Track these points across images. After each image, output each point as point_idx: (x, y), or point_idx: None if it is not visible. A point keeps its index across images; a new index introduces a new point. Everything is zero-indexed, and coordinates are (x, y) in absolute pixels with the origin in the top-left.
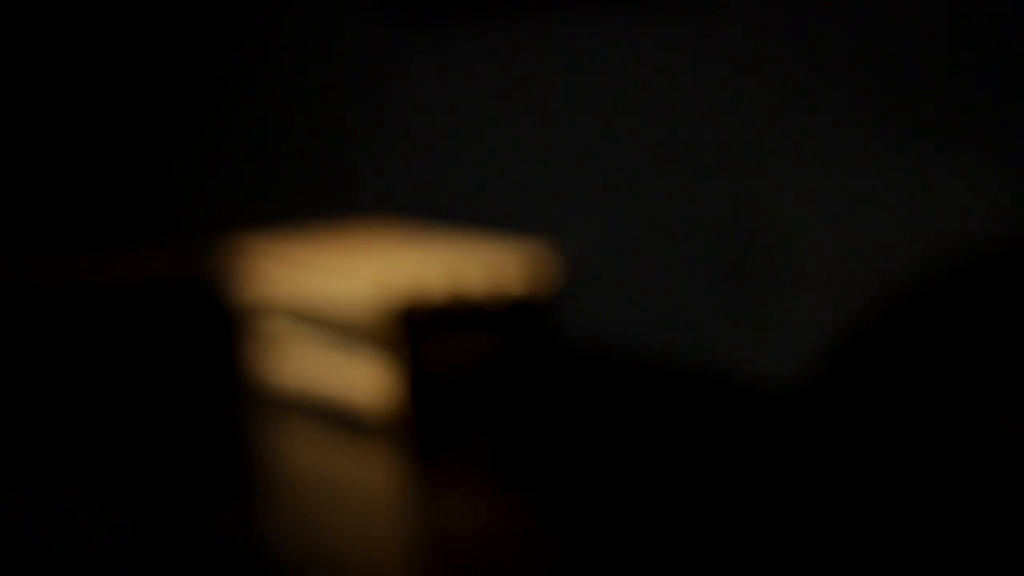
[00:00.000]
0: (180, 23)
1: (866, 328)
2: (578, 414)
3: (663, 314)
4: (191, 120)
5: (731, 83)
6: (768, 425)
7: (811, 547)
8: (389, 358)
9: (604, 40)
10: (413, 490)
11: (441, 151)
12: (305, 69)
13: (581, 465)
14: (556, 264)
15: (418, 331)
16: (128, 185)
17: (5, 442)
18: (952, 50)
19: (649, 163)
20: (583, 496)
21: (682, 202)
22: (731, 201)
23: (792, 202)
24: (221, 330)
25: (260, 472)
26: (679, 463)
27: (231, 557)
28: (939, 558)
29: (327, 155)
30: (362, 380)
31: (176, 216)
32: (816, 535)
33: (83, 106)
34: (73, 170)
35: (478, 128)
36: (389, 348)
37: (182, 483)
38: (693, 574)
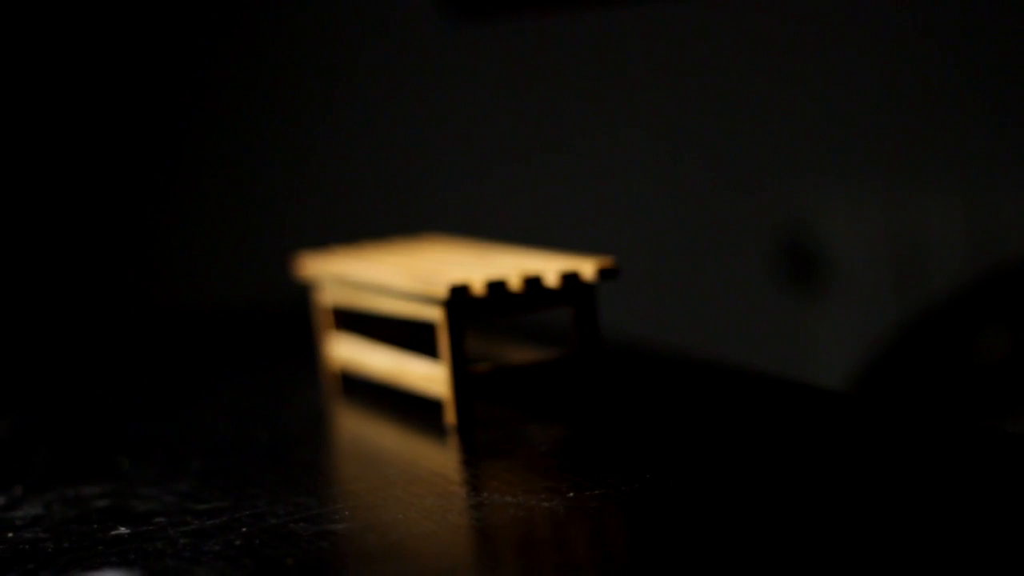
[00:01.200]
0: (257, 52)
1: (912, 333)
2: (632, 410)
3: (714, 317)
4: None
5: (787, 98)
6: (823, 422)
7: (866, 544)
8: (441, 352)
9: (664, 45)
10: (471, 481)
11: (492, 165)
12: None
13: (640, 458)
14: (610, 266)
15: (462, 326)
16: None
17: (85, 440)
18: (1001, 73)
19: (704, 174)
20: (645, 488)
21: (737, 212)
22: (785, 213)
23: (842, 214)
24: (302, 334)
25: (328, 461)
26: (732, 457)
27: (301, 547)
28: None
29: (381, 179)
30: (422, 373)
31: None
32: (869, 532)
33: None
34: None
35: (532, 141)
36: (440, 342)
37: (254, 474)
38: (755, 565)
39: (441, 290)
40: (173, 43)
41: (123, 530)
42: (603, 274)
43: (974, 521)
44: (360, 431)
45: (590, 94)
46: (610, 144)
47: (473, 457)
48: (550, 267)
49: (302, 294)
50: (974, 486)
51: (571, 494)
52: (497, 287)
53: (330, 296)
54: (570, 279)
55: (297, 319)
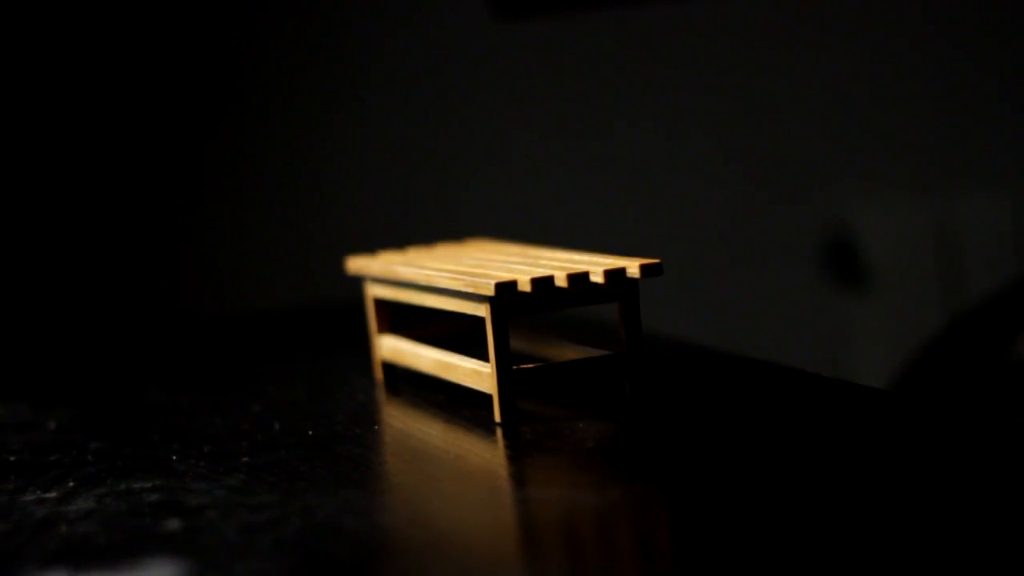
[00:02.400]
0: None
1: (955, 331)
2: (677, 407)
3: (758, 316)
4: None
5: (832, 97)
6: (866, 421)
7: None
8: (488, 348)
9: (709, 45)
10: (517, 475)
11: (537, 170)
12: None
13: (684, 452)
14: (654, 264)
15: (509, 323)
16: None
17: (137, 436)
18: None
19: (747, 173)
20: (689, 484)
21: (780, 211)
22: (829, 212)
23: (886, 213)
24: (351, 332)
25: (376, 456)
26: (776, 454)
27: (349, 541)
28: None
29: (427, 184)
30: (469, 369)
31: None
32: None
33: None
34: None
35: (575, 144)
36: (487, 339)
37: (303, 468)
38: (798, 562)
39: (488, 287)
40: (236, 50)
41: (174, 524)
42: (647, 270)
43: (1021, 518)
44: (407, 426)
45: (633, 94)
46: (653, 144)
47: (519, 453)
48: (595, 265)
49: (353, 295)
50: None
51: (616, 490)
52: (543, 284)
53: (380, 295)
54: (615, 276)
55: (348, 318)
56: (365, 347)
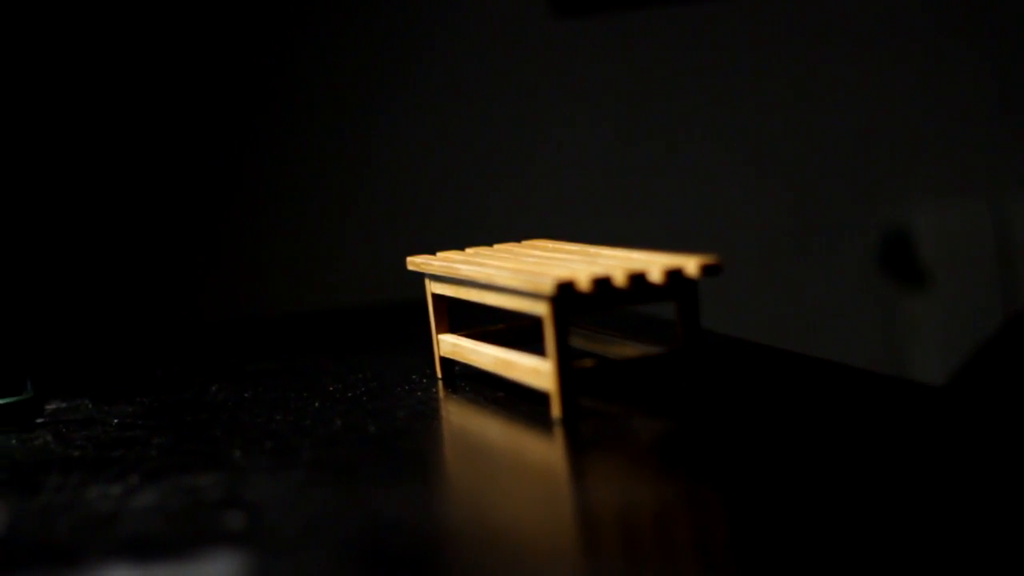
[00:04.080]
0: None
1: (1010, 331)
2: (735, 405)
3: (817, 316)
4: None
5: (890, 98)
6: (924, 419)
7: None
8: (547, 346)
9: (764, 41)
10: (576, 472)
11: (597, 172)
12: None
13: (742, 450)
14: (713, 263)
15: (568, 321)
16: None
17: (199, 432)
18: None
19: (805, 174)
20: (747, 482)
21: (837, 212)
22: (886, 212)
23: (943, 213)
24: (412, 330)
25: (436, 452)
26: (834, 452)
27: (409, 536)
28: None
29: (474, 188)
30: (529, 366)
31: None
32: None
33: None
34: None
35: (632, 145)
36: (546, 337)
37: (364, 464)
38: (856, 561)
39: (548, 286)
40: (304, 56)
41: (236, 519)
42: (707, 270)
43: None
44: (467, 423)
45: (690, 93)
46: (712, 144)
47: (578, 450)
48: (654, 264)
49: (413, 295)
50: None
51: (674, 487)
52: (602, 283)
53: (440, 293)
54: (674, 275)
55: (408, 317)
56: (425, 345)
